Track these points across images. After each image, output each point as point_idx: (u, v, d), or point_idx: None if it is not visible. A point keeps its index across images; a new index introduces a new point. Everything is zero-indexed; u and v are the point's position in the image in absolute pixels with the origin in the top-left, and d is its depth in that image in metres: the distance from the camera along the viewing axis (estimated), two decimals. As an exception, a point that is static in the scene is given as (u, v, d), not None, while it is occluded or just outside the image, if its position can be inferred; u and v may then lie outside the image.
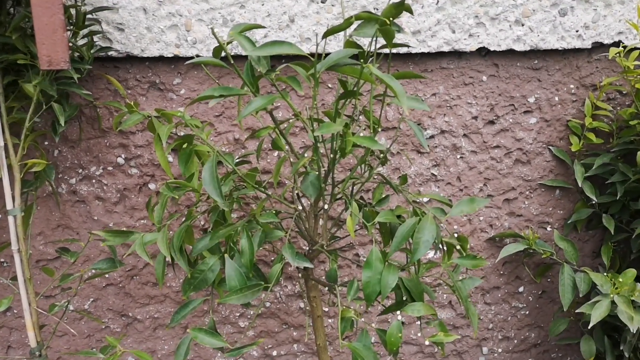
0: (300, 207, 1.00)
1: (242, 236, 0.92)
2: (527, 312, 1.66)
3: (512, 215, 1.57)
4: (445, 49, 1.37)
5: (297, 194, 1.11)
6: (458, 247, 0.99)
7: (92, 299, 1.43)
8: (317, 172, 0.98)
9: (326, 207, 1.01)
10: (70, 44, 1.13)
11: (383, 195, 1.08)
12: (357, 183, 1.06)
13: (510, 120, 1.50)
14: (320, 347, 1.17)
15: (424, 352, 1.63)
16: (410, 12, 0.81)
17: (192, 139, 1.12)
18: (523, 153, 1.53)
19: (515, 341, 1.68)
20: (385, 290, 0.94)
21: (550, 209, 1.59)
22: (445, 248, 1.01)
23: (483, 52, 1.43)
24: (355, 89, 0.96)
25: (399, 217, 1.05)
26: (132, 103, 1.16)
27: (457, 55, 1.43)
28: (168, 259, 0.96)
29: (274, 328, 1.53)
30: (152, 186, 1.38)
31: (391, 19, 0.85)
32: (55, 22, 0.93)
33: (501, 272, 1.61)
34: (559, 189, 1.58)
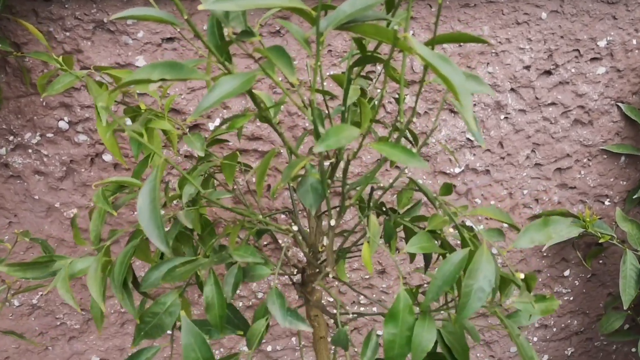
0: (295, 228, 0.69)
1: (208, 281, 0.62)
2: (572, 298, 1.38)
3: (564, 187, 1.26)
4: (497, -24, 1.01)
5: (293, 201, 0.79)
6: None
7: (40, 293, 1.15)
8: (318, 174, 0.67)
9: (333, 222, 0.70)
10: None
11: (413, 202, 0.76)
12: (377, 188, 0.75)
13: (573, 70, 1.16)
14: (322, 372, 0.90)
15: None
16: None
17: (148, 115, 0.80)
18: (584, 112, 1.20)
19: (555, 329, 1.42)
20: (418, 356, 0.65)
21: (612, 179, 1.27)
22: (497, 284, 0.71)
23: (545, -20, 1.07)
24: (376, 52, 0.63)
25: (433, 233, 0.74)
26: (60, 59, 0.82)
27: (510, -16, 1.06)
28: (103, 308, 0.66)
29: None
30: (107, 157, 1.06)
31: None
32: None
33: (544, 254, 1.32)
34: (625, 155, 1.26)
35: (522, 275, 0.65)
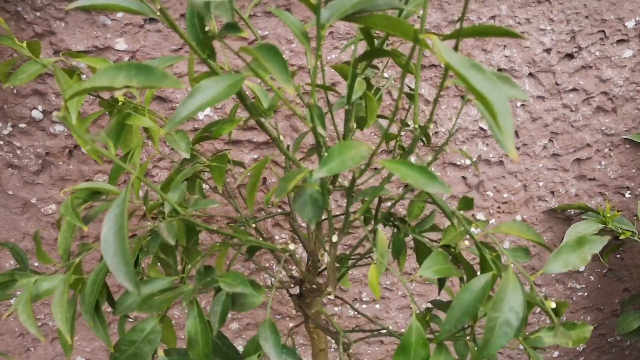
0: (292, 247, 0.60)
1: (191, 313, 0.54)
2: (586, 294, 1.31)
3: (582, 179, 1.17)
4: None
5: (291, 214, 0.70)
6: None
7: (18, 292, 1.07)
8: (318, 184, 0.58)
9: (335, 238, 0.61)
10: None
11: (425, 212, 0.67)
12: (384, 200, 0.66)
13: (597, 53, 1.06)
14: (322, 385, 0.82)
15: None
16: None
17: (124, 110, 0.71)
18: (608, 98, 1.10)
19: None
20: (432, 395, 0.57)
21: (634, 170, 1.18)
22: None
23: (571, -46, 0.96)
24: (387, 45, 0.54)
25: (447, 248, 0.65)
26: (24, 44, 0.72)
27: (532, -42, 0.96)
28: (69, 340, 0.58)
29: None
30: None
31: None
32: None
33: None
34: (649, 145, 1.17)
35: (553, 305, 0.57)
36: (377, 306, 1.21)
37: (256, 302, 0.55)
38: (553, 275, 1.27)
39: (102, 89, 0.42)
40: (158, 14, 0.44)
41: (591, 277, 1.29)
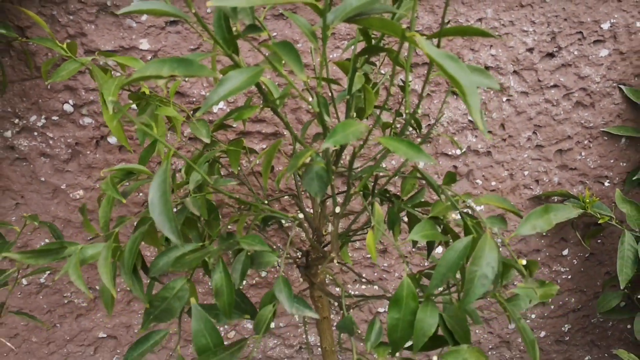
0: (301, 216, 0.70)
1: (217, 268, 0.64)
2: (570, 277, 1.41)
3: (564, 168, 1.27)
4: (501, -41, 1.01)
5: (297, 184, 0.80)
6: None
7: (48, 272, 1.17)
8: (324, 161, 0.68)
9: (337, 210, 0.71)
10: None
11: (416, 188, 0.77)
12: (381, 177, 0.76)
13: (575, 52, 1.16)
14: (326, 350, 0.92)
15: None
16: None
17: (152, 100, 0.81)
18: (586, 94, 1.20)
19: (552, 307, 1.44)
20: (420, 339, 0.67)
21: (612, 161, 1.28)
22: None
23: (549, -38, 1.06)
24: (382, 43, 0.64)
25: (436, 220, 0.75)
26: (64, 46, 0.83)
27: (514, -34, 1.06)
28: (114, 293, 0.68)
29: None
30: (112, 140, 1.07)
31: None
32: None
33: (543, 234, 1.33)
34: (625, 137, 1.27)
35: (524, 262, 0.67)
36: (376, 287, 1.30)
37: (271, 261, 0.66)
38: (539, 259, 1.37)
39: (151, 78, 0.52)
40: (194, 18, 0.54)
41: (574, 260, 1.39)
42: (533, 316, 1.44)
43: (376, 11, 0.57)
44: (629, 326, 1.52)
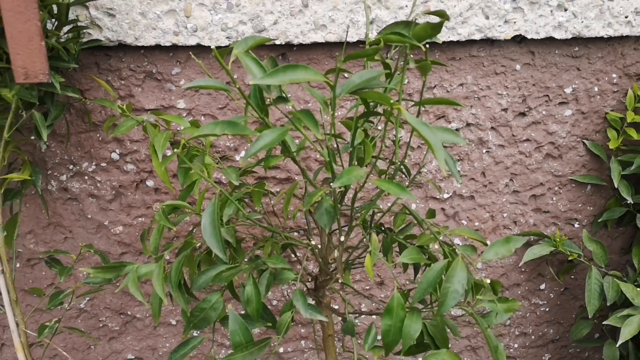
0: (313, 242, 0.89)
1: (248, 282, 0.82)
2: (547, 309, 1.58)
3: (538, 211, 1.46)
4: (477, 36, 1.22)
5: (308, 222, 0.99)
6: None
7: (87, 298, 1.35)
8: (331, 199, 0.87)
9: (342, 238, 0.90)
10: (54, 41, 0.99)
11: (406, 222, 0.96)
12: (377, 212, 0.95)
13: (544, 112, 1.36)
14: (330, 365, 1.09)
15: None
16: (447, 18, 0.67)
17: (192, 151, 1.00)
18: (555, 147, 1.40)
19: (533, 337, 1.61)
20: (407, 342, 0.84)
21: (580, 205, 1.47)
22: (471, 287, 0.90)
23: (518, 39, 1.28)
24: (381, 108, 0.83)
25: (421, 248, 0.94)
26: (124, 106, 1.03)
27: (489, 42, 1.27)
28: (165, 301, 0.86)
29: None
30: (150, 183, 1.26)
31: (426, 45, 0.71)
32: (30, 29, 0.79)
33: (522, 270, 1.51)
34: (590, 185, 1.46)
35: (488, 281, 0.85)
36: (374, 317, 1.47)
37: (289, 277, 0.84)
38: (519, 292, 1.54)
39: (207, 136, 0.72)
40: (237, 91, 0.74)
41: (551, 294, 1.56)
42: (516, 345, 1.61)
43: (373, 86, 0.76)
44: (603, 358, 1.68)
